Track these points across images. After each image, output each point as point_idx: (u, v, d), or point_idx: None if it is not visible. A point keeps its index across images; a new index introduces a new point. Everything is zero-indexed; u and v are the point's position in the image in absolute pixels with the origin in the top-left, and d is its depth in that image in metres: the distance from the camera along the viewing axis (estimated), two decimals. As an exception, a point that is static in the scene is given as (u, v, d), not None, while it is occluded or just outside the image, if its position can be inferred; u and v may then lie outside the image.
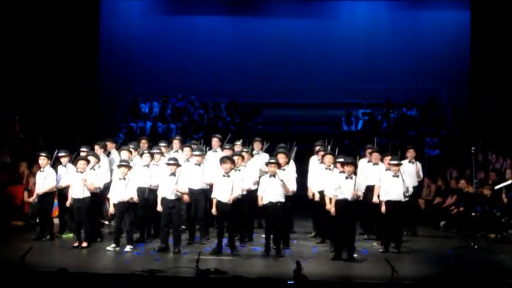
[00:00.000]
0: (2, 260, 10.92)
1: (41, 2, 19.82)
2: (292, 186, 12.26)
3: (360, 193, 11.85)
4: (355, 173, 11.67)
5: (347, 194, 11.54)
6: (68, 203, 12.66)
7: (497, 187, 14.45)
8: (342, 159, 12.25)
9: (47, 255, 11.69)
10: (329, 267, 11.13)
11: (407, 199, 12.17)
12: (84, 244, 12.31)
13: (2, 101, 18.64)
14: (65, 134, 17.00)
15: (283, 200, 11.77)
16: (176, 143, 14.03)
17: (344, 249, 11.61)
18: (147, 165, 12.91)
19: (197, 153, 12.86)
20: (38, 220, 13.92)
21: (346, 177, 11.59)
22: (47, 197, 13.11)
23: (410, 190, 12.25)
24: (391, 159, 12.44)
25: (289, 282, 9.23)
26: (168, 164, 12.11)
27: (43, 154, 13.16)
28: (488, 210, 14.26)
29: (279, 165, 11.89)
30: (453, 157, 18.45)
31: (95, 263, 11.47)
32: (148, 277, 9.97)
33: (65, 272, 9.41)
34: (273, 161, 11.95)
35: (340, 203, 11.59)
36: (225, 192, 11.83)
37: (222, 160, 12.03)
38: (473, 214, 13.54)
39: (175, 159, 12.39)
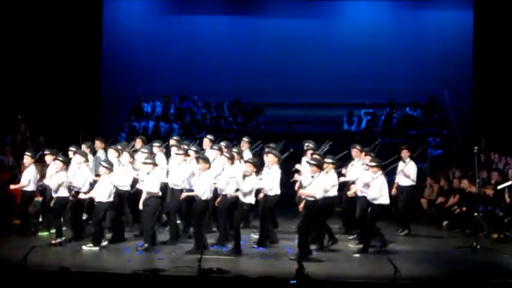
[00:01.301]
0: (4, 259, 10.94)
1: (43, 1, 19.82)
2: (261, 185, 12.21)
3: (316, 193, 11.40)
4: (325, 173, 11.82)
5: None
6: None
7: (499, 187, 14.43)
8: (328, 160, 12.30)
9: (49, 254, 11.70)
10: (331, 266, 11.13)
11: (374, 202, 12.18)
12: (58, 240, 12.43)
13: (5, 101, 18.66)
14: (67, 134, 17.01)
15: (246, 200, 11.84)
16: (171, 142, 14.04)
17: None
18: (123, 165, 12.94)
19: (180, 152, 12.89)
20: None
21: (312, 177, 11.58)
22: (24, 193, 13.34)
23: (372, 196, 12.13)
24: (370, 161, 12.42)
25: (291, 281, 9.23)
26: (145, 163, 12.26)
27: (28, 154, 13.29)
28: (490, 210, 14.25)
29: (254, 166, 11.91)
30: (456, 157, 18.42)
31: (97, 262, 11.48)
32: (151, 276, 9.97)
33: (67, 272, 9.42)
34: (250, 160, 12.05)
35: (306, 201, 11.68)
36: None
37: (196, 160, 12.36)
38: (475, 214, 13.51)
39: (152, 158, 12.54)
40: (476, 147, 13.27)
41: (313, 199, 11.44)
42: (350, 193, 12.88)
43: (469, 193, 14.89)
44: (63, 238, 12.55)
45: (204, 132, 19.89)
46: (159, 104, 21.94)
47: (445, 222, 15.22)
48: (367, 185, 12.23)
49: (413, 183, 14.16)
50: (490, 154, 17.21)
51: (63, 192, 12.55)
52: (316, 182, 11.43)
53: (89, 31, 20.73)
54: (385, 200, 12.17)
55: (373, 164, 12.20)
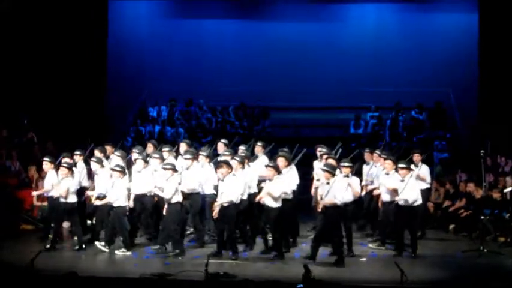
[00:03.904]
0: (12, 264, 10.98)
1: (48, 6, 19.86)
2: (284, 189, 12.02)
3: (336, 201, 11.31)
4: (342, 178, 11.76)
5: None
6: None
7: (506, 190, 14.40)
8: (346, 164, 12.27)
9: (56, 259, 11.72)
10: (338, 270, 11.11)
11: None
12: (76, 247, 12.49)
13: (11, 105, 18.71)
14: (73, 138, 17.02)
15: (273, 205, 11.68)
16: (183, 146, 14.01)
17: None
18: (139, 171, 12.86)
19: (188, 156, 12.83)
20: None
21: (327, 183, 11.50)
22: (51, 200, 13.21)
23: (413, 198, 12.18)
24: (399, 163, 12.41)
25: (298, 286, 9.24)
26: (165, 169, 12.18)
27: (46, 159, 13.20)
28: (497, 214, 14.22)
29: (276, 170, 11.78)
30: (462, 160, 18.39)
31: (104, 266, 11.52)
32: (158, 280, 9.99)
33: (75, 276, 9.45)
34: (270, 164, 11.97)
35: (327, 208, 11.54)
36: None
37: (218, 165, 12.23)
38: (482, 218, 13.47)
39: (172, 164, 12.43)
40: (482, 151, 13.26)
41: (334, 206, 11.35)
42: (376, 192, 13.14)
43: (475, 197, 14.87)
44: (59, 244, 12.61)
45: (210, 137, 19.94)
46: (165, 108, 21.95)
47: (451, 226, 15.20)
48: (394, 190, 12.26)
49: (429, 186, 14.29)
50: (496, 157, 17.17)
51: (72, 198, 12.53)
52: (334, 189, 11.34)
53: (94, 35, 20.70)
54: (421, 200, 12.31)
55: (402, 166, 12.22)
